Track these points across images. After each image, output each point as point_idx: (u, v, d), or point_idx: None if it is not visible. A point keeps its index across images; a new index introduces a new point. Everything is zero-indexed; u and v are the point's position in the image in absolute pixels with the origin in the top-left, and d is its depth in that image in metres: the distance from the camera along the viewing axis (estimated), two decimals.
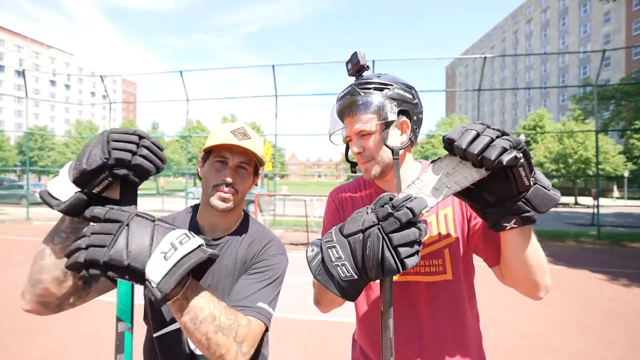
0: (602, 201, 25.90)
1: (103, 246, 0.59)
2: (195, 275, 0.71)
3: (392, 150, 0.85)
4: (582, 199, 29.44)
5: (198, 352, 0.92)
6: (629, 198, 29.65)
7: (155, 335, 0.94)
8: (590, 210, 19.57)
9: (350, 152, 0.98)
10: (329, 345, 3.28)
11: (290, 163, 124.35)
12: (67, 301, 0.75)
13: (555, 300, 4.61)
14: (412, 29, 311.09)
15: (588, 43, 43.65)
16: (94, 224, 0.64)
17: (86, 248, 0.59)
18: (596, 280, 5.63)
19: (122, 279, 0.60)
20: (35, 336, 3.27)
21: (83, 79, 75.65)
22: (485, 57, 10.46)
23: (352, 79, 0.92)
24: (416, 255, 0.64)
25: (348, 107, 0.88)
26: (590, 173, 24.17)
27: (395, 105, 0.86)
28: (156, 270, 0.59)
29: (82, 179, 0.67)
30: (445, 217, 0.94)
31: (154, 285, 0.59)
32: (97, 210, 0.64)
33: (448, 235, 0.93)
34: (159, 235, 0.63)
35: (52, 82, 70.40)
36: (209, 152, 0.99)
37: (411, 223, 0.64)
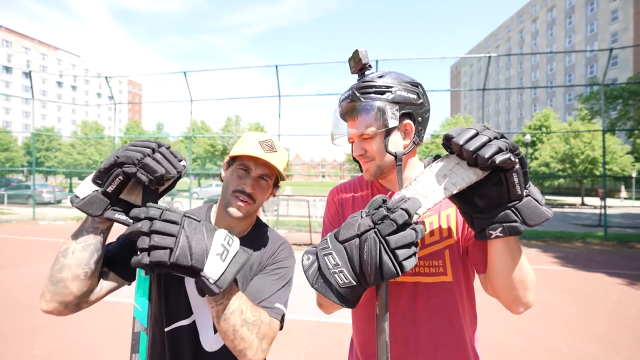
0: (610, 202, 25.70)
1: (166, 248, 0.65)
2: None
3: (395, 156, 0.86)
4: (589, 200, 29.13)
5: (209, 349, 0.95)
6: (636, 199, 29.23)
7: (166, 329, 0.95)
8: (597, 211, 19.34)
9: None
10: (331, 346, 3.26)
11: (294, 163, 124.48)
12: (84, 300, 0.78)
13: (562, 302, 4.55)
14: (417, 28, 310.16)
15: (595, 42, 43.13)
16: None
17: (149, 249, 0.64)
18: (603, 283, 5.55)
19: (182, 274, 0.69)
20: (38, 335, 3.28)
21: (89, 80, 76.33)
22: (490, 57, 10.39)
23: (355, 77, 0.91)
24: (414, 257, 0.64)
25: (349, 111, 0.89)
26: (597, 173, 23.88)
27: (397, 110, 0.84)
28: (215, 269, 0.69)
29: (99, 178, 0.75)
30: (447, 218, 0.93)
31: (212, 282, 0.68)
32: (153, 212, 0.68)
33: (449, 236, 0.91)
34: (209, 236, 0.71)
35: (59, 84, 71.11)
36: (234, 158, 1.01)
37: (407, 224, 0.64)
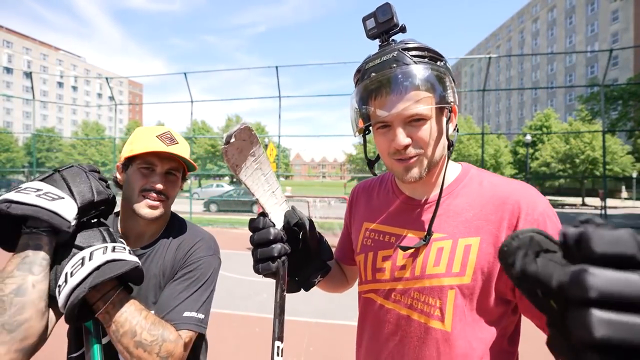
0: (610, 202, 25.57)
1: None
2: (131, 282, 0.77)
3: (451, 144, 0.69)
4: (589, 200, 29.08)
5: None
6: (637, 199, 29.19)
7: (72, 355, 0.87)
8: (597, 212, 19.32)
9: (367, 147, 0.80)
10: (331, 348, 3.26)
11: (294, 164, 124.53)
12: (43, 338, 0.70)
13: None
14: (417, 28, 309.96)
15: (595, 42, 43.12)
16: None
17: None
18: None
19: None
20: None
21: (90, 81, 76.51)
22: (490, 57, 10.38)
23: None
24: (271, 263, 0.65)
25: (388, 82, 0.63)
26: (598, 173, 23.85)
27: (453, 84, 0.66)
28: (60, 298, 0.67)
29: (88, 207, 0.73)
30: (465, 249, 0.67)
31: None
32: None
33: (462, 273, 0.66)
34: (66, 263, 0.71)
35: (60, 84, 71.26)
36: (130, 159, 0.92)
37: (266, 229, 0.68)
